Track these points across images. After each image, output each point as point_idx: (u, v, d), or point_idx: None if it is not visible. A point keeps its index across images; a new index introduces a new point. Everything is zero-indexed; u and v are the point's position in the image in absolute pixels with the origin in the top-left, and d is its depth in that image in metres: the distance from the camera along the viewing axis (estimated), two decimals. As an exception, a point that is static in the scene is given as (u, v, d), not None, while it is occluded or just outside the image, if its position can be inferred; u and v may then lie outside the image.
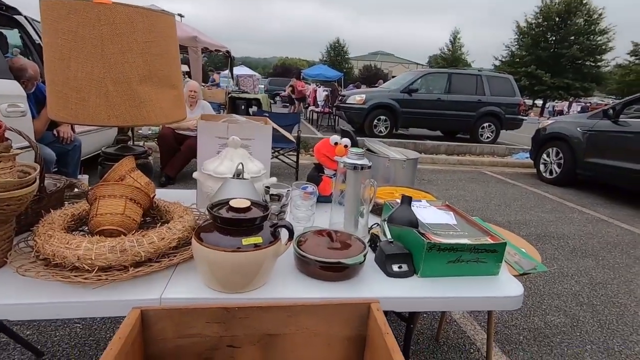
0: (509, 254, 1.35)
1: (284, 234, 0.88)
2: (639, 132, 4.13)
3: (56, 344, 1.55)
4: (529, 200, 4.31)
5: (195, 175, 1.13)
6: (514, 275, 1.19)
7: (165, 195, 1.29)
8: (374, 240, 1.10)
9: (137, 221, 0.95)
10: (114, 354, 0.58)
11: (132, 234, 0.85)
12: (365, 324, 0.77)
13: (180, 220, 0.95)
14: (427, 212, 1.15)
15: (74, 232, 0.98)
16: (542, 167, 5.44)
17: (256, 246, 0.79)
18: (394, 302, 0.88)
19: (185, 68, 7.50)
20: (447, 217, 1.13)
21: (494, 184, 5.09)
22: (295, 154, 4.44)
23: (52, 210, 0.94)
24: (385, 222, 1.05)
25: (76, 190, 1.27)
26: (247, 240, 0.78)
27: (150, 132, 4.65)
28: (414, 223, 0.90)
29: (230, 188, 0.96)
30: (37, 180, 0.85)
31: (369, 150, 2.06)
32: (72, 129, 3.00)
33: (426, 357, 1.67)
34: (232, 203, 0.83)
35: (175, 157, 3.69)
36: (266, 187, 1.08)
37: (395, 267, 0.95)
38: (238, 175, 1.00)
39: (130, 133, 4.19)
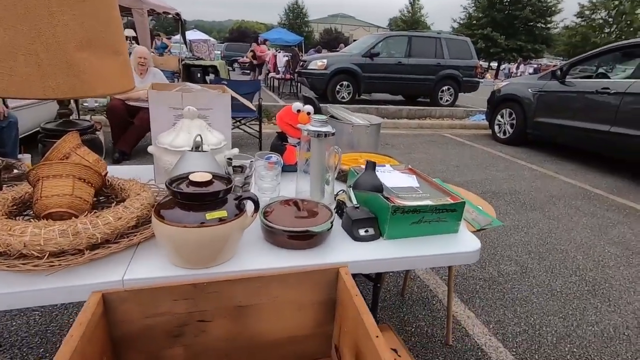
0: (467, 211, 1.42)
1: (249, 206, 0.86)
2: (582, 92, 4.41)
3: (14, 334, 1.48)
4: (484, 160, 4.54)
5: (150, 149, 1.07)
6: (472, 232, 1.26)
7: (119, 172, 1.22)
8: (340, 207, 1.11)
9: (89, 201, 0.89)
10: (76, 340, 0.56)
11: (85, 216, 0.80)
12: (334, 288, 0.79)
13: (138, 197, 0.90)
14: (391, 177, 1.17)
15: (17, 218, 0.90)
16: (496, 128, 5.71)
17: (221, 220, 0.77)
18: (362, 264, 0.90)
19: (130, 32, 6.88)
20: (410, 181, 1.16)
21: (452, 146, 5.30)
22: (257, 123, 4.32)
23: (-12, 195, 0.85)
24: (351, 188, 1.06)
25: (15, 171, 1.16)
26: (211, 215, 0.76)
27: (97, 104, 4.29)
28: (379, 188, 0.91)
29: (189, 161, 0.91)
30: (-35, 163, 0.76)
31: (332, 117, 2.04)
32: (5, 104, 2.71)
33: (393, 312, 1.77)
34: (193, 177, 0.80)
35: (129, 131, 3.47)
36: (228, 159, 1.04)
37: (361, 232, 0.97)
38: (197, 147, 0.96)
39: (73, 106, 3.85)
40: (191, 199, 0.77)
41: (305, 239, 0.89)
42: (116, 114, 3.46)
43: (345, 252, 0.92)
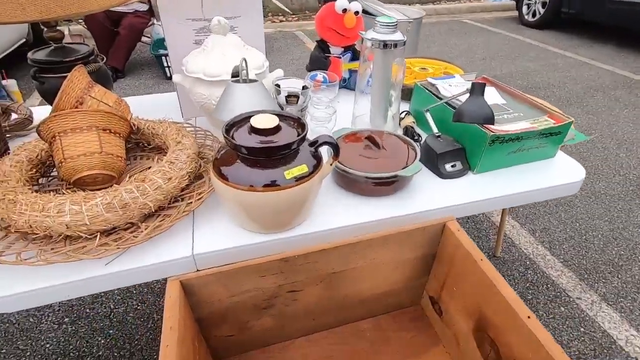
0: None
1: (325, 150, 0.69)
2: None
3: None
4: (512, 50, 4.09)
5: (176, 79, 0.84)
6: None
7: (131, 104, 1.01)
8: (411, 134, 0.93)
9: (122, 156, 0.72)
10: (174, 349, 0.46)
11: (128, 179, 0.64)
12: (437, 242, 0.68)
13: (181, 148, 0.72)
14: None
15: (39, 183, 0.74)
16: (524, 8, 5.03)
17: (298, 178, 0.61)
18: (454, 209, 0.77)
19: None
20: (492, 96, 0.96)
21: (474, 34, 4.74)
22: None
23: (-4, 160, 0.68)
24: (428, 113, 0.87)
25: (15, 116, 0.95)
26: (290, 173, 0.59)
27: (70, 11, 3.68)
28: (491, 118, 0.72)
29: (237, 96, 0.71)
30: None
31: (364, 12, 1.69)
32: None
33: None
34: (255, 123, 0.61)
35: (116, 44, 3.04)
36: (276, 85, 0.83)
37: (448, 167, 0.82)
38: (235, 75, 0.74)
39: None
40: (260, 154, 0.59)
41: (391, 184, 0.74)
42: (96, 22, 2.98)
43: (434, 194, 0.78)
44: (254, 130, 0.61)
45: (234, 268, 0.56)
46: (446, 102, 0.84)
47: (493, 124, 0.75)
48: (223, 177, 0.61)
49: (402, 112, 1.04)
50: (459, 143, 0.84)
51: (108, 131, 0.69)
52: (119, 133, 0.72)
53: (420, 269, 0.72)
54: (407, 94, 1.08)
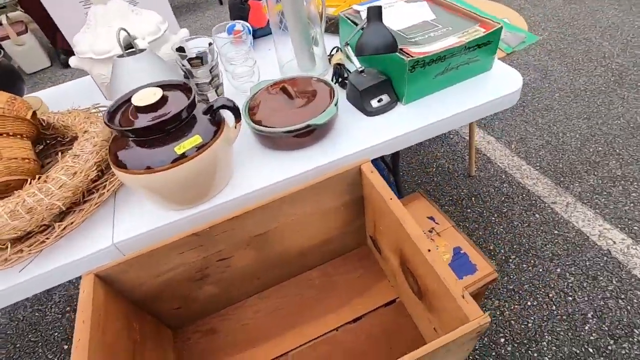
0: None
1: (228, 114, 0.65)
2: None
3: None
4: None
5: (73, 63, 0.79)
6: (501, 58, 1.03)
7: (63, 93, 0.97)
8: (339, 74, 0.88)
9: (31, 158, 0.70)
10: (85, 342, 0.48)
11: (34, 181, 0.63)
12: (359, 185, 0.67)
13: (86, 136, 0.69)
14: (396, 13, 0.88)
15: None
16: None
17: (198, 149, 0.58)
18: (382, 147, 0.74)
19: None
20: (421, 13, 0.87)
21: None
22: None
23: None
24: (349, 47, 0.80)
25: None
26: (181, 147, 0.57)
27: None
28: (393, 45, 0.66)
29: (124, 72, 0.66)
30: None
31: None
32: None
33: (411, 157, 1.72)
34: (136, 101, 0.57)
35: (59, 23, 2.84)
36: (178, 49, 0.76)
37: (374, 103, 0.77)
38: (127, 47, 0.68)
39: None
40: (146, 134, 0.56)
41: (309, 134, 0.71)
42: (34, 5, 2.76)
43: (360, 134, 0.75)
44: (138, 109, 0.57)
45: (146, 252, 0.56)
46: (362, 30, 0.77)
47: (396, 51, 0.69)
48: (120, 164, 0.59)
49: (332, 49, 0.97)
50: (385, 75, 0.78)
51: (5, 135, 0.67)
52: (20, 134, 0.69)
53: (354, 212, 0.72)
54: (335, 25, 0.99)
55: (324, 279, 0.77)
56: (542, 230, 1.36)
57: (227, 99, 0.61)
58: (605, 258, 1.25)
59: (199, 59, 0.76)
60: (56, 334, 1.34)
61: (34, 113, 0.76)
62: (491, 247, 1.34)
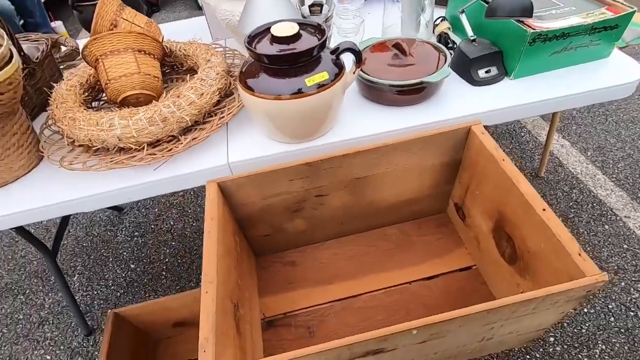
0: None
1: (347, 59, 0.68)
2: None
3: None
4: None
5: (200, -3, 0.84)
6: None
7: (169, 28, 1.04)
8: (443, 41, 0.88)
9: (159, 77, 0.77)
10: (215, 236, 0.54)
11: (165, 96, 0.69)
12: (462, 148, 0.68)
13: (210, 65, 0.75)
14: (515, -12, 0.86)
15: (93, 105, 0.83)
16: None
17: (320, 86, 0.62)
18: (486, 116, 0.74)
19: None
20: (542, -10, 0.85)
21: None
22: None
23: (54, 85, 0.76)
24: (463, 15, 0.80)
25: (64, 49, 1.03)
26: (311, 80, 0.61)
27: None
28: (528, 8, 0.65)
29: (258, 8, 0.70)
30: (15, 54, 0.64)
31: None
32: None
33: (477, 149, 1.68)
34: (275, 31, 0.61)
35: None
36: (300, -5, 0.80)
37: (482, 73, 0.77)
38: (261, -15, 0.72)
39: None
40: (283, 61, 0.61)
41: (418, 92, 0.73)
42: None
43: (464, 101, 0.75)
44: (275, 40, 0.62)
45: (264, 171, 0.61)
46: (482, 0, 0.77)
47: (531, 16, 0.68)
48: (249, 89, 0.63)
49: (437, 19, 0.97)
50: (497, 46, 0.78)
51: (143, 52, 0.74)
52: (153, 54, 0.76)
53: (446, 176, 0.73)
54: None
55: (402, 236, 0.80)
56: (610, 242, 1.31)
57: (353, 42, 0.64)
58: (677, 280, 1.19)
59: (319, 6, 0.79)
60: (124, 253, 1.47)
61: (162, 38, 0.82)
62: (551, 249, 1.31)
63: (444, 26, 0.92)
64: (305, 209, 0.71)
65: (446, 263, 0.75)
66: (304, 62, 0.61)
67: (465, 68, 0.78)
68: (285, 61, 0.60)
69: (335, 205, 0.72)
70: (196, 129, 0.71)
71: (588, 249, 1.30)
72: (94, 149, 0.69)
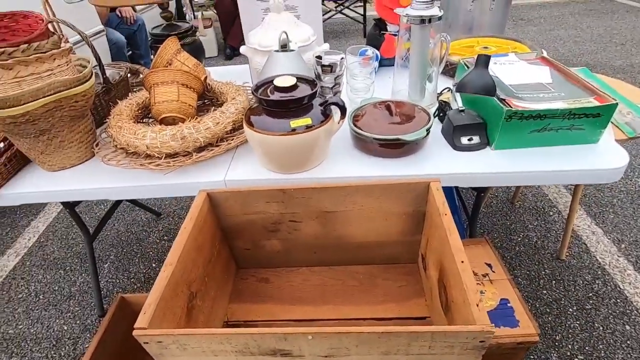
0: (620, 112, 1.10)
1: (336, 111, 0.81)
2: None
3: (167, 206, 1.90)
4: (669, 34, 3.31)
5: (242, 50, 1.05)
6: (619, 140, 0.99)
7: (222, 73, 1.27)
8: (442, 109, 0.97)
9: (193, 106, 0.96)
10: (188, 230, 0.66)
11: (190, 120, 0.87)
12: (424, 201, 0.75)
13: (233, 102, 0.93)
14: (513, 70, 0.94)
15: (143, 121, 1.04)
16: None
17: (307, 127, 0.75)
18: (460, 177, 0.81)
19: None
20: (539, 75, 0.92)
21: (621, 14, 3.95)
22: (361, 5, 3.88)
23: (118, 101, 0.99)
24: (455, 87, 0.90)
25: (141, 76, 1.30)
26: (295, 123, 0.74)
27: (205, -1, 4.38)
28: (490, 89, 0.74)
29: (276, 63, 0.87)
30: (93, 75, 0.87)
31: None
32: (133, 9, 2.97)
33: (498, 219, 1.66)
34: (277, 82, 0.77)
35: (235, 27, 3.52)
36: (317, 57, 0.96)
37: (464, 139, 0.85)
38: (283, 46, 0.90)
39: (186, 1, 3.98)
40: (276, 106, 0.75)
41: (397, 147, 0.82)
42: (224, 8, 3.50)
43: (442, 163, 0.83)
44: (276, 88, 0.77)
45: (245, 190, 0.74)
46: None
47: (494, 95, 0.76)
48: (250, 123, 0.79)
49: (444, 89, 1.07)
50: (481, 118, 0.85)
51: (185, 86, 0.94)
52: (193, 88, 0.96)
53: (413, 226, 0.79)
54: (454, 70, 1.09)
55: (368, 277, 0.86)
56: (628, 345, 1.19)
57: (340, 98, 0.77)
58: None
59: (330, 67, 0.94)
60: (151, 252, 1.66)
61: (206, 77, 1.03)
62: (557, 338, 1.22)
63: (447, 95, 1.02)
64: (281, 231, 0.81)
65: (402, 309, 0.78)
66: (294, 108, 0.75)
67: (450, 133, 0.86)
68: (279, 106, 0.75)
69: (308, 233, 0.82)
70: (209, 149, 0.87)
71: (600, 345, 1.19)
72: (129, 152, 0.88)
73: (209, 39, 3.67)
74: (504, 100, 0.81)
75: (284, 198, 0.75)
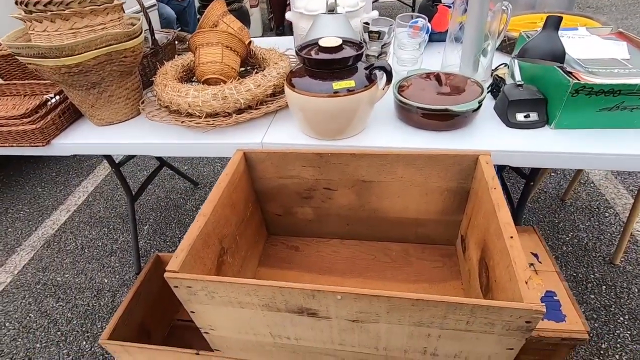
0: None
1: (382, 77, 0.77)
2: None
3: (205, 177, 1.95)
4: None
5: (287, 15, 1.03)
6: None
7: (266, 42, 1.26)
8: (497, 84, 0.90)
9: (236, 69, 0.95)
10: (222, 187, 0.66)
11: (231, 82, 0.87)
12: (470, 177, 0.69)
13: (275, 67, 0.91)
14: (584, 44, 0.84)
15: (186, 82, 1.05)
16: None
17: (349, 91, 0.72)
18: (512, 156, 0.74)
19: None
20: (615, 50, 0.82)
21: None
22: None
23: (165, 62, 1.00)
24: (516, 60, 0.82)
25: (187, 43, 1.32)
26: (338, 85, 0.71)
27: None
28: (559, 55, 0.66)
29: (322, 26, 0.84)
30: (143, 32, 0.89)
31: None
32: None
33: (545, 216, 1.54)
34: (322, 42, 0.74)
35: (280, 5, 3.50)
36: (365, 23, 0.92)
37: (519, 116, 0.78)
38: (331, 10, 0.86)
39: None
40: (319, 66, 0.72)
41: (444, 119, 0.77)
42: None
43: (493, 139, 0.76)
44: (321, 49, 0.74)
45: (281, 151, 0.72)
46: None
47: (562, 62, 0.68)
48: (291, 85, 0.76)
49: (500, 64, 0.99)
50: (542, 94, 0.78)
51: (229, 48, 0.93)
52: (237, 51, 0.95)
53: (454, 205, 0.74)
54: (512, 46, 1.01)
55: (403, 254, 0.82)
56: (685, 364, 1.06)
57: (387, 62, 0.73)
58: None
59: (377, 34, 0.89)
60: (187, 219, 1.72)
61: (250, 42, 1.02)
62: (604, 346, 1.12)
63: (502, 71, 0.94)
64: (314, 198, 0.79)
65: (435, 290, 0.74)
66: (338, 69, 0.72)
67: (504, 109, 0.79)
68: (322, 66, 0.72)
69: (342, 203, 0.79)
70: (248, 111, 0.86)
71: (653, 360, 1.08)
72: (172, 110, 0.89)
73: (254, 17, 3.69)
74: (571, 73, 0.72)
75: (320, 163, 0.73)
